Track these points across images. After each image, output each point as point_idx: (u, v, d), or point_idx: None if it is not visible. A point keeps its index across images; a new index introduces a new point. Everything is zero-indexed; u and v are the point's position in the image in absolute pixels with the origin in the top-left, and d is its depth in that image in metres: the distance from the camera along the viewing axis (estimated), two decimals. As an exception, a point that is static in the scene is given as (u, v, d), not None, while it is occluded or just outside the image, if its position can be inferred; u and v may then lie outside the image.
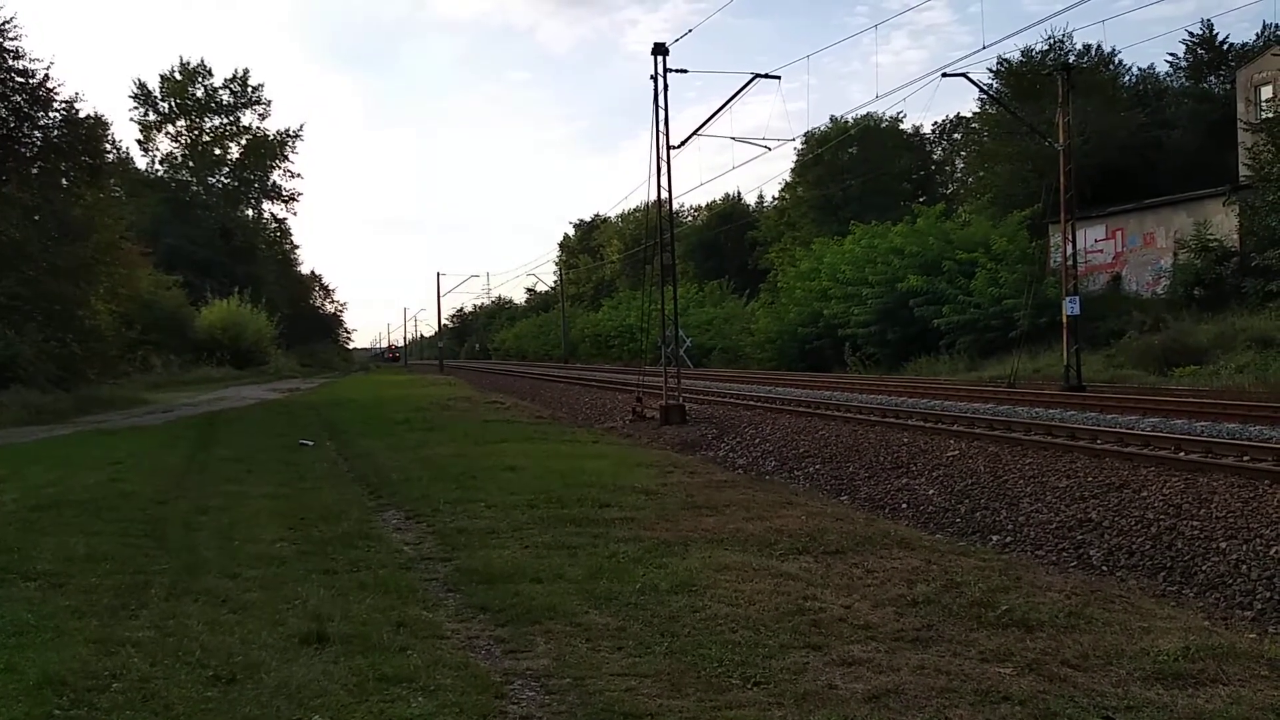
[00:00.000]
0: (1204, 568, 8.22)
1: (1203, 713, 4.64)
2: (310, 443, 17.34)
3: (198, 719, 4.55)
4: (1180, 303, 30.22)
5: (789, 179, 62.11)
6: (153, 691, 4.87)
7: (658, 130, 22.16)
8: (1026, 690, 4.91)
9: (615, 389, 30.68)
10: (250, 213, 78.24)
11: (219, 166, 75.23)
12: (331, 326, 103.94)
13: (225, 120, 74.77)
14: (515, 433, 19.28)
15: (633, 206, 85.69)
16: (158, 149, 73.15)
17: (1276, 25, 41.45)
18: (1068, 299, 24.28)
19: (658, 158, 22.28)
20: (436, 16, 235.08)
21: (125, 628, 5.97)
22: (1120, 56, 46.98)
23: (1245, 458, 11.08)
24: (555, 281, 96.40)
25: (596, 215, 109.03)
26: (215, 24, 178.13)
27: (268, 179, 77.22)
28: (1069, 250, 24.78)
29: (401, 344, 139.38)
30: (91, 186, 31.77)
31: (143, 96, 72.39)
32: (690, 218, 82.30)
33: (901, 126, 59.76)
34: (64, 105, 30.19)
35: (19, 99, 29.21)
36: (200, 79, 73.37)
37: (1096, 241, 36.73)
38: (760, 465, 15.73)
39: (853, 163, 56.85)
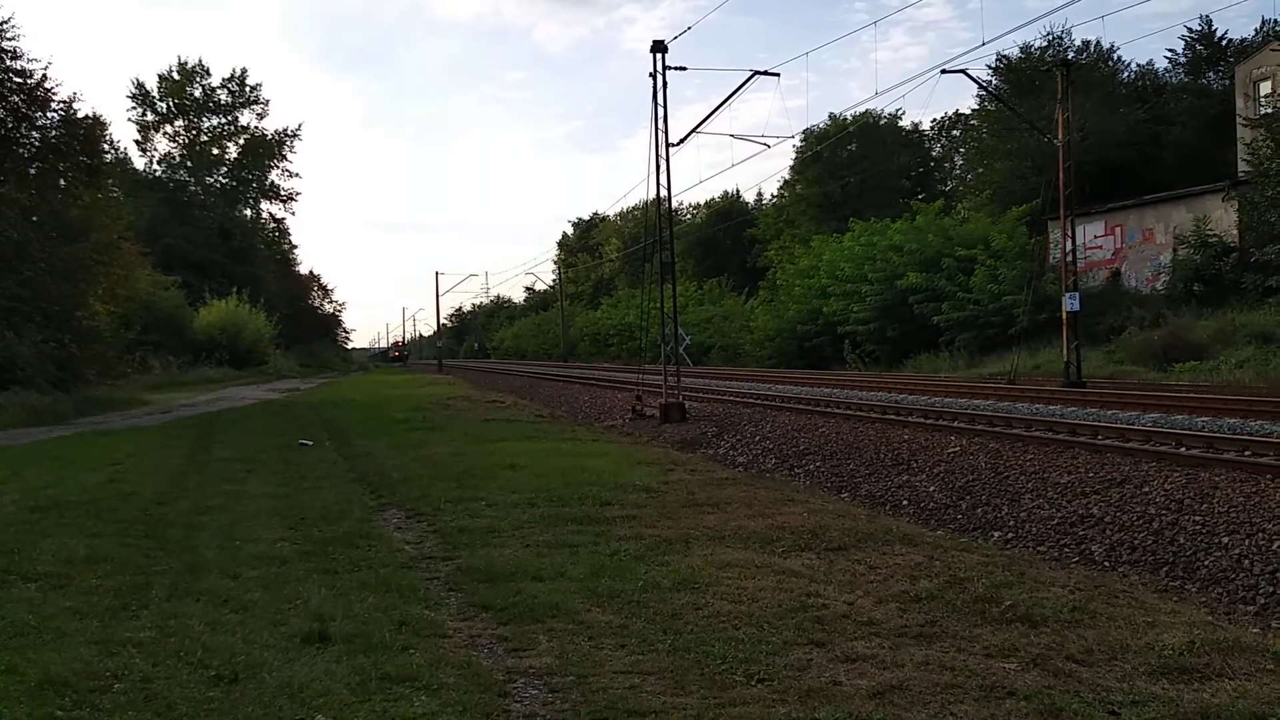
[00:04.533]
0: (1206, 563, 8.21)
1: (1208, 707, 4.62)
2: (310, 443, 17.32)
3: (200, 719, 4.53)
4: (1180, 298, 30.20)
5: (788, 176, 62.21)
6: (155, 692, 4.85)
7: (657, 128, 22.15)
8: (1031, 685, 4.90)
9: (615, 387, 30.67)
10: (249, 212, 78.07)
11: (217, 166, 75.07)
12: (330, 326, 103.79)
13: (223, 120, 74.63)
14: (515, 431, 19.25)
15: (631, 205, 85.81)
16: (156, 149, 73.00)
17: (1275, 21, 41.54)
18: (1067, 295, 24.26)
19: (657, 155, 22.27)
20: (433, 18, 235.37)
21: (127, 628, 5.95)
22: (1119, 53, 47.09)
23: (1246, 452, 11.08)
24: (554, 280, 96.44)
25: (595, 214, 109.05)
26: (212, 24, 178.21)
27: (266, 179, 77.07)
28: (1068, 246, 24.76)
29: (403, 341, 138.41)
30: (90, 187, 31.70)
31: (140, 96, 72.26)
32: (689, 215, 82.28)
33: (900, 123, 59.85)
34: (62, 105, 30.16)
35: (17, 99, 29.13)
36: (198, 79, 73.22)
37: (1096, 237, 36.70)
38: (761, 463, 15.71)
39: (852, 160, 56.80)
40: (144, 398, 32.68)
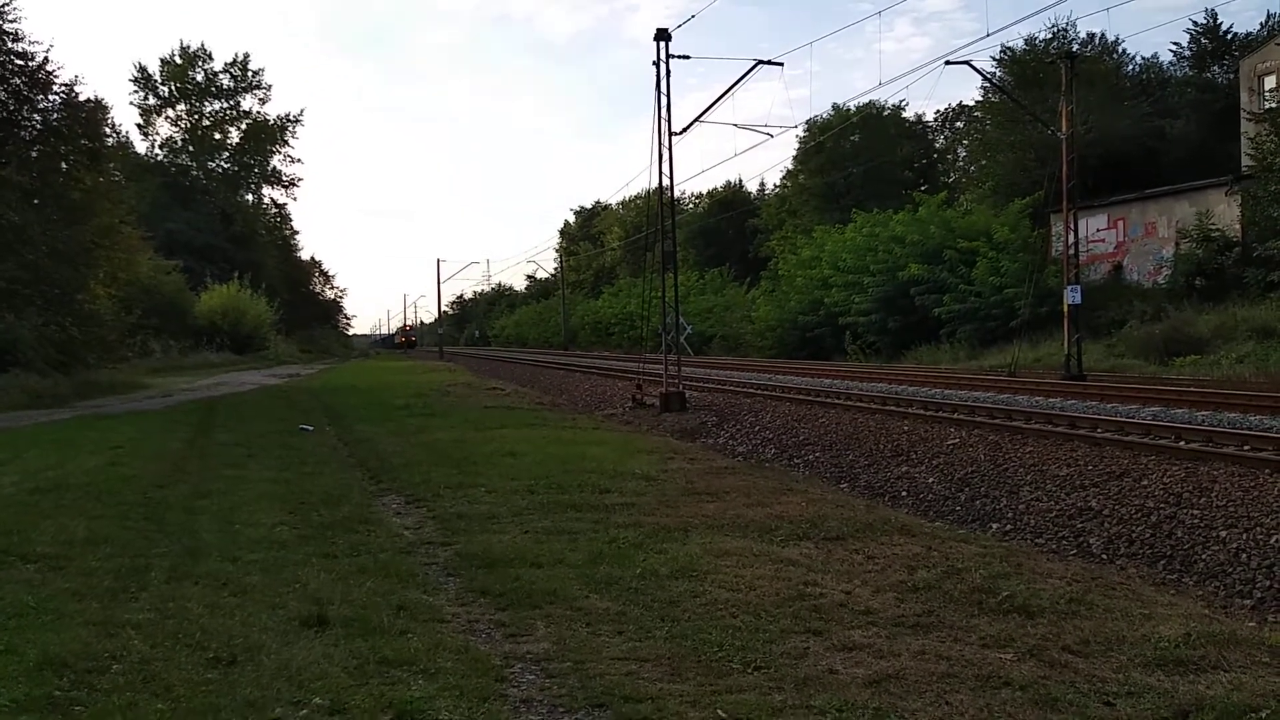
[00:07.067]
0: (1204, 556, 8.22)
1: (1204, 699, 4.63)
2: (310, 428, 17.33)
3: (198, 701, 4.54)
4: (1181, 293, 30.15)
5: (791, 166, 62.10)
6: (153, 673, 4.86)
7: (659, 117, 22.10)
8: (1027, 676, 4.91)
9: (615, 376, 30.67)
10: (250, 198, 78.18)
11: (219, 151, 75.08)
12: (331, 312, 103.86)
13: (225, 105, 74.65)
14: (515, 419, 19.26)
15: (634, 193, 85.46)
16: (158, 133, 73.08)
17: (1280, 14, 41.33)
18: (1069, 288, 24.23)
19: (659, 144, 22.22)
20: (434, 5, 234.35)
21: (126, 610, 5.96)
22: (1124, 45, 47.09)
23: (1246, 447, 11.08)
24: (555, 268, 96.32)
25: (597, 202, 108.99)
26: (215, 7, 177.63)
27: (268, 164, 77.14)
28: (1070, 239, 24.72)
29: (408, 325, 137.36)
30: (91, 170, 31.61)
31: (143, 80, 72.26)
32: (691, 205, 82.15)
33: (904, 114, 59.69)
34: (64, 88, 30.06)
35: (18, 82, 29.03)
36: (200, 63, 73.20)
37: (1098, 231, 36.64)
38: (760, 452, 15.72)
39: (855, 150, 56.68)
40: (144, 382, 32.74)
